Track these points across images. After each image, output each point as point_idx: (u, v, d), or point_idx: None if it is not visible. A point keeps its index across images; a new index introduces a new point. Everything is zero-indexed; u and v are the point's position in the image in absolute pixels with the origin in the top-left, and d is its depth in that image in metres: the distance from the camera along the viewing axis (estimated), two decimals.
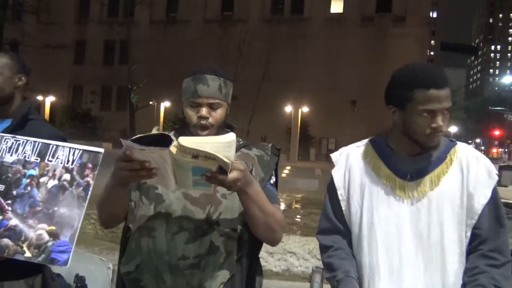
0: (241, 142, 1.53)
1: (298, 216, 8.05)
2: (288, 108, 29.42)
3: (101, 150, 1.52)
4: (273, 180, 1.54)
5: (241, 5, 36.90)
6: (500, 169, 22.64)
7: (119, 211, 1.45)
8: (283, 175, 16.13)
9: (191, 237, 1.38)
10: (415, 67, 1.45)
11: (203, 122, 1.44)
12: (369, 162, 1.53)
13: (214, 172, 1.16)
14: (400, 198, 1.45)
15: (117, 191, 1.34)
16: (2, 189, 1.46)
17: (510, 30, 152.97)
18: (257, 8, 36.45)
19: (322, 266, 1.63)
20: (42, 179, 1.47)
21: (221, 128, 1.49)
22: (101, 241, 4.42)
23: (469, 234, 1.43)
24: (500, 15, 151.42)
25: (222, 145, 1.13)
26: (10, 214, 1.43)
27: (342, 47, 33.18)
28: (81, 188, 1.45)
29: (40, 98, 30.76)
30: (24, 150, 1.50)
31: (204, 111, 1.44)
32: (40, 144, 1.51)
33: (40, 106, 30.69)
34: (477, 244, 1.42)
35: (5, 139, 1.53)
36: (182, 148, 1.11)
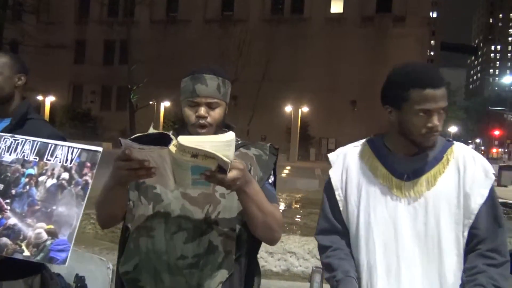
0: (239, 142, 1.53)
1: (298, 216, 8.06)
2: (288, 108, 29.42)
3: (100, 149, 1.52)
4: (271, 179, 1.54)
5: (241, 5, 36.90)
6: (500, 169, 22.63)
7: (117, 211, 1.45)
8: (283, 175, 16.14)
9: (189, 237, 1.38)
10: (411, 66, 1.45)
11: (201, 121, 1.44)
12: (366, 162, 1.53)
13: (214, 171, 1.16)
14: (397, 198, 1.45)
15: (116, 190, 1.34)
16: (1, 188, 1.46)
17: (510, 30, 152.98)
18: (257, 8, 36.45)
19: (321, 266, 1.63)
20: (41, 178, 1.47)
21: (220, 127, 1.49)
22: (101, 241, 4.41)
23: (466, 234, 1.43)
24: (500, 15, 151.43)
25: (221, 144, 1.13)
26: (8, 213, 1.43)
27: (342, 47, 33.17)
28: (79, 187, 1.45)
29: (40, 98, 30.76)
30: (23, 150, 1.51)
31: (202, 110, 1.44)
32: (39, 143, 1.52)
33: (40, 106, 30.69)
34: (475, 244, 1.42)
35: (4, 138, 1.54)
36: (181, 147, 1.11)
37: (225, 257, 1.39)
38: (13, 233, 1.41)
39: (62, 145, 1.51)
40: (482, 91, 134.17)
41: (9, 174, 1.48)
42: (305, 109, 29.69)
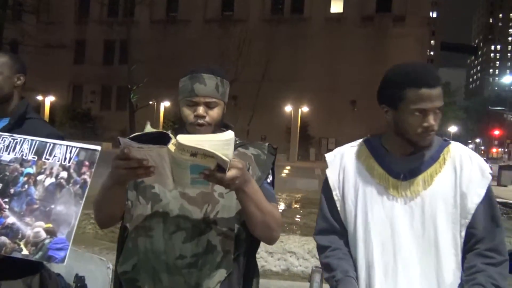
0: (237, 142, 1.53)
1: (297, 216, 8.05)
2: (288, 108, 29.42)
3: (98, 148, 1.52)
4: (270, 179, 1.54)
5: (241, 5, 36.90)
6: (500, 169, 22.63)
7: (116, 211, 1.44)
8: (283, 175, 16.13)
9: (188, 236, 1.37)
10: (407, 66, 1.45)
11: (200, 121, 1.44)
12: (363, 162, 1.54)
13: (213, 170, 1.16)
14: (393, 198, 1.46)
15: (115, 190, 1.33)
16: (0, 188, 1.47)
17: (510, 30, 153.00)
18: (257, 8, 36.45)
19: (321, 266, 1.63)
20: (39, 177, 1.47)
21: (218, 127, 1.49)
22: (101, 241, 4.42)
23: (463, 233, 1.43)
24: (500, 15, 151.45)
25: (220, 143, 1.13)
26: (7, 212, 1.43)
27: (342, 47, 33.18)
28: (78, 186, 1.46)
29: (40, 98, 30.77)
30: (21, 149, 1.51)
31: (201, 110, 1.44)
32: (37, 142, 1.52)
33: (40, 106, 30.69)
34: (473, 244, 1.42)
35: (3, 137, 1.54)
36: (180, 146, 1.11)
37: (224, 257, 1.39)
38: (11, 232, 1.41)
39: (60, 144, 1.51)
40: (482, 91, 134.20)
41: (7, 173, 1.48)
42: (305, 109, 29.69)
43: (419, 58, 31.71)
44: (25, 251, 1.40)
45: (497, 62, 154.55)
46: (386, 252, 1.43)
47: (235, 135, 1.22)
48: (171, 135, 1.16)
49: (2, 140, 1.53)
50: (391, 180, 1.47)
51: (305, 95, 29.94)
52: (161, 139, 1.15)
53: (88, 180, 1.47)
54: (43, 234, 1.41)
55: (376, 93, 1.50)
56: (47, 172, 1.48)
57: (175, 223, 1.39)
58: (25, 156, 1.50)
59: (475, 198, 1.42)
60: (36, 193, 1.46)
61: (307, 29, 34.64)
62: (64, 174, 1.47)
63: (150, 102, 31.09)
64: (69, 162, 1.48)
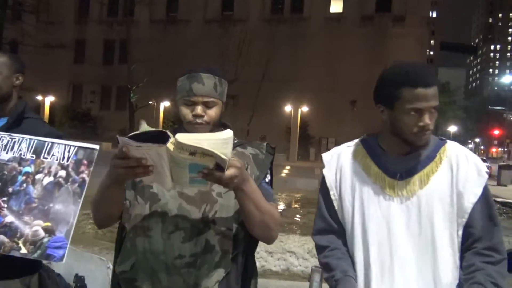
0: (236, 141, 1.52)
1: (297, 216, 8.06)
2: (288, 108, 29.41)
3: (96, 146, 1.53)
4: (268, 178, 1.54)
5: (241, 5, 36.89)
6: (500, 168, 22.64)
7: (114, 211, 1.44)
8: (283, 174, 16.14)
9: (187, 236, 1.37)
10: (403, 66, 1.45)
11: (198, 120, 1.43)
12: (359, 162, 1.54)
13: (211, 169, 1.15)
14: (389, 198, 1.46)
15: (113, 189, 1.33)
16: None
17: (509, 30, 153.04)
18: (257, 8, 36.45)
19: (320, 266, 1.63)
20: (38, 176, 1.48)
21: (216, 126, 1.48)
22: (100, 241, 4.41)
23: (460, 232, 1.43)
24: (500, 15, 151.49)
25: (219, 142, 1.13)
26: (5, 211, 1.44)
27: (342, 46, 33.17)
28: (76, 185, 1.46)
29: (39, 98, 30.76)
30: (19, 148, 1.52)
31: (199, 109, 1.43)
32: (35, 141, 1.53)
33: (39, 106, 30.68)
34: (471, 243, 1.43)
35: (1, 137, 1.54)
36: (179, 145, 1.11)
37: (222, 256, 1.39)
38: (10, 230, 1.42)
39: (59, 143, 1.52)
40: (481, 91, 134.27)
41: (5, 172, 1.48)
42: (304, 108, 29.68)
43: (419, 57, 31.72)
44: (23, 250, 1.40)
45: (497, 62, 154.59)
46: (383, 252, 1.43)
47: (235, 135, 1.21)
48: (169, 134, 1.16)
49: (0, 139, 1.54)
50: (388, 180, 1.47)
51: (305, 95, 29.93)
52: (160, 138, 1.15)
53: (87, 178, 1.48)
54: (42, 233, 1.41)
55: (372, 93, 1.51)
56: (46, 171, 1.48)
57: (173, 223, 1.38)
58: (24, 155, 1.50)
59: (471, 197, 1.42)
60: (35, 192, 1.46)
61: (307, 29, 34.64)
62: (62, 173, 1.47)
63: (150, 102, 31.08)
64: (67, 161, 1.49)
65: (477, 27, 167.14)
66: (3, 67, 1.81)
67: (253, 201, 1.32)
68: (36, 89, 27.58)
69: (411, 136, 1.42)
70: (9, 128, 1.70)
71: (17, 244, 1.40)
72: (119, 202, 1.42)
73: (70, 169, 1.48)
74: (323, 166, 1.62)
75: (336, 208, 1.55)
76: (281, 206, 9.13)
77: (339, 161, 1.57)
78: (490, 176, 24.75)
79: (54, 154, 1.50)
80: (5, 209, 1.44)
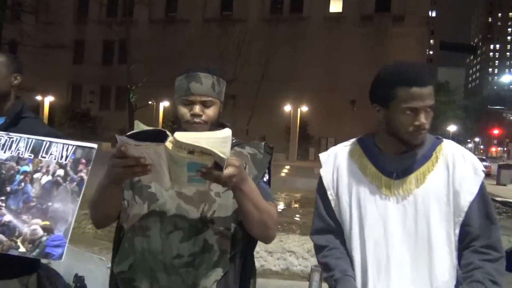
0: (234, 141, 1.52)
1: (297, 215, 8.05)
2: (287, 108, 29.42)
3: (95, 145, 1.53)
4: (266, 178, 1.54)
5: (240, 5, 36.89)
6: (499, 168, 22.65)
7: (112, 210, 1.43)
8: (282, 174, 16.13)
9: (185, 236, 1.37)
10: (398, 65, 1.45)
11: (196, 119, 1.43)
12: (356, 161, 1.54)
13: (210, 167, 1.15)
14: (386, 197, 1.46)
15: (111, 189, 1.32)
16: None
17: (509, 29, 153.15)
18: (256, 7, 36.45)
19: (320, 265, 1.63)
20: (36, 175, 1.48)
21: (214, 126, 1.48)
22: (100, 241, 4.41)
23: (457, 231, 1.43)
24: (499, 14, 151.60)
25: (218, 141, 1.12)
26: (3, 210, 1.44)
27: (341, 46, 33.17)
28: (75, 183, 1.46)
29: (39, 98, 30.75)
30: (17, 147, 1.52)
31: (197, 108, 1.43)
32: (33, 141, 1.53)
33: (39, 106, 30.67)
34: (469, 241, 1.43)
35: None
36: (178, 144, 1.10)
37: (221, 256, 1.39)
38: (8, 229, 1.42)
39: (57, 142, 1.52)
40: (481, 90, 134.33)
41: (3, 172, 1.49)
42: (304, 108, 29.69)
43: (419, 57, 31.74)
44: (22, 249, 1.40)
45: (496, 61, 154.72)
46: (379, 251, 1.44)
47: (234, 135, 1.21)
48: (168, 133, 1.16)
49: None
50: (384, 179, 1.47)
51: (305, 94, 29.94)
52: (158, 137, 1.14)
53: (85, 177, 1.48)
54: (40, 232, 1.41)
55: (368, 93, 1.51)
56: (44, 170, 1.48)
57: (172, 223, 1.38)
58: (21, 154, 1.51)
59: (468, 195, 1.42)
60: (33, 191, 1.46)
61: (306, 29, 34.64)
62: (60, 172, 1.48)
63: (150, 102, 31.07)
64: (65, 160, 1.49)
65: (476, 27, 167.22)
66: (1, 67, 1.82)
67: (252, 200, 1.31)
68: (36, 89, 27.57)
69: (407, 136, 1.42)
70: (7, 127, 1.70)
71: (16, 243, 1.40)
72: (117, 201, 1.41)
73: (68, 168, 1.48)
74: (320, 166, 1.62)
75: (334, 208, 1.55)
76: (281, 206, 9.13)
77: (336, 161, 1.58)
78: (490, 175, 24.66)
79: (52, 153, 1.50)
80: (3, 208, 1.44)
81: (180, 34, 35.91)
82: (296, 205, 9.92)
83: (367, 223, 1.46)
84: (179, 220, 1.38)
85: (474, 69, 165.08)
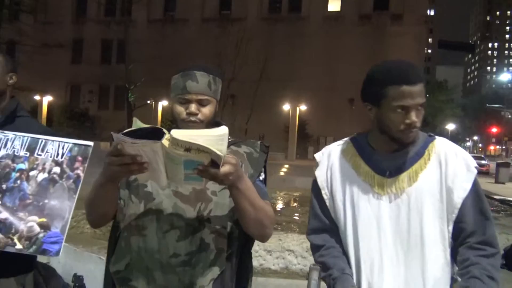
0: (230, 140, 1.50)
1: (296, 214, 8.05)
2: (286, 107, 29.43)
3: (91, 143, 1.53)
4: (262, 176, 1.54)
5: (238, 4, 36.89)
6: (497, 166, 22.69)
7: (109, 209, 1.42)
8: (281, 173, 16.13)
9: (182, 235, 1.37)
10: (388, 64, 1.46)
11: (192, 118, 1.42)
12: (349, 160, 1.54)
13: (206, 165, 1.15)
14: (379, 196, 1.47)
15: (108, 188, 1.32)
16: None
17: (507, 28, 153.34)
18: (255, 6, 36.45)
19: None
20: (32, 173, 1.48)
21: (210, 124, 1.46)
22: (99, 240, 4.40)
23: (451, 228, 1.43)
24: (497, 13, 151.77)
25: (214, 138, 1.12)
26: None
27: (340, 45, 33.20)
28: (71, 181, 1.47)
29: (37, 97, 30.71)
30: (13, 145, 1.52)
31: (193, 107, 1.42)
32: (29, 139, 1.53)
33: (37, 105, 30.63)
34: (464, 238, 1.43)
35: None
36: (174, 141, 1.10)
37: (217, 255, 1.39)
38: (4, 227, 1.42)
39: (53, 140, 1.52)
40: (479, 89, 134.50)
41: None
42: (303, 107, 29.70)
43: (417, 56, 31.78)
44: (18, 246, 1.40)
45: (495, 60, 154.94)
46: (373, 249, 1.44)
47: (232, 134, 1.21)
48: (164, 130, 1.15)
49: None
50: (377, 178, 1.48)
51: (303, 93, 29.96)
52: (155, 135, 1.14)
53: (82, 174, 1.48)
54: (37, 228, 1.41)
55: (360, 92, 1.51)
56: (40, 167, 1.48)
57: (168, 222, 1.38)
58: (17, 152, 1.51)
59: (461, 192, 1.42)
60: (29, 188, 1.46)
61: (305, 28, 34.66)
62: (57, 169, 1.48)
63: (148, 102, 31.06)
64: (61, 158, 1.49)
65: (475, 25, 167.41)
66: None
67: (248, 198, 1.31)
68: (34, 89, 27.54)
69: (398, 134, 1.42)
70: (2, 126, 1.70)
71: (12, 240, 1.41)
72: (113, 200, 1.41)
73: (64, 166, 1.48)
74: (316, 165, 1.63)
75: (329, 207, 1.56)
76: (280, 205, 9.14)
77: (330, 160, 1.58)
78: (488, 174, 24.66)
79: (48, 151, 1.50)
80: None
81: (179, 33, 35.89)
82: (295, 204, 9.92)
83: (361, 221, 1.47)
84: (175, 219, 1.38)
85: (472, 67, 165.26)
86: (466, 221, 1.42)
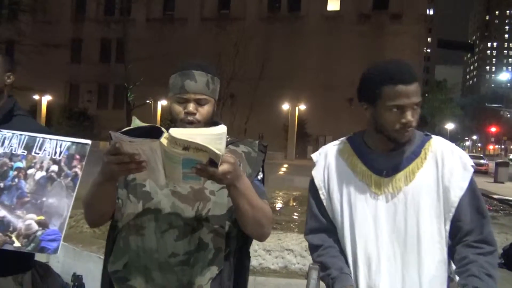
0: (228, 139, 1.51)
1: (295, 214, 8.05)
2: (285, 106, 29.43)
3: (88, 141, 1.53)
4: (260, 176, 1.54)
5: (237, 3, 36.88)
6: (497, 165, 22.70)
7: (107, 208, 1.42)
8: (281, 172, 16.14)
9: (180, 234, 1.37)
10: (383, 64, 1.46)
11: (190, 118, 1.42)
12: (346, 160, 1.55)
13: (205, 164, 1.14)
14: (375, 196, 1.47)
15: (106, 187, 1.31)
16: None
17: (506, 27, 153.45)
18: (254, 6, 36.44)
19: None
20: (30, 171, 1.48)
21: (208, 124, 1.45)
22: (98, 240, 4.40)
23: (448, 227, 1.44)
24: (497, 12, 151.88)
25: (213, 137, 1.11)
26: None
27: (339, 44, 33.21)
28: (69, 179, 1.47)
29: (36, 97, 30.67)
30: (10, 144, 1.52)
31: (191, 106, 1.42)
32: (26, 137, 1.53)
33: (36, 105, 30.60)
34: (461, 236, 1.43)
35: None
36: (173, 140, 1.09)
37: (215, 254, 1.39)
38: (2, 225, 1.42)
39: (50, 139, 1.52)
40: (478, 88, 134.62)
41: None
42: (302, 107, 29.70)
43: (416, 55, 31.80)
44: (17, 243, 1.40)
45: (494, 59, 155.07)
46: (370, 248, 1.45)
47: (231, 133, 1.21)
48: (163, 129, 1.15)
49: None
50: (374, 177, 1.48)
51: (303, 93, 29.96)
52: (153, 133, 1.14)
53: (79, 173, 1.48)
54: (35, 226, 1.41)
55: (356, 91, 1.52)
56: (38, 166, 1.49)
57: (167, 221, 1.37)
58: (15, 151, 1.51)
59: (457, 191, 1.43)
60: (27, 186, 1.46)
61: (304, 27, 34.66)
62: (54, 167, 1.48)
63: (147, 101, 31.02)
64: (59, 156, 1.49)
65: (474, 25, 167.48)
66: None
67: (246, 197, 1.31)
68: (33, 88, 27.53)
69: (394, 133, 1.43)
70: None
71: (10, 237, 1.41)
72: (112, 199, 1.40)
73: (62, 164, 1.48)
74: (313, 165, 1.63)
75: (326, 207, 1.56)
76: (279, 204, 9.14)
77: (327, 160, 1.59)
78: (487, 173, 24.68)
79: (45, 149, 1.51)
80: None
81: (178, 32, 35.87)
82: (294, 204, 9.92)
83: (358, 221, 1.47)
84: (174, 218, 1.38)
85: (471, 67, 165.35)
86: (463, 220, 1.43)
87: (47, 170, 1.48)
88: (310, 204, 1.61)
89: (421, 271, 1.41)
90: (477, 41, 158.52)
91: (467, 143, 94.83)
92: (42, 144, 1.52)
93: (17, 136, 1.53)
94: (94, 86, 38.80)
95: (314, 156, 1.64)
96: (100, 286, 1.49)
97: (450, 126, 62.10)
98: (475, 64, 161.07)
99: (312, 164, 1.63)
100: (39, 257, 1.89)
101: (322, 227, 1.57)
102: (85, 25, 39.05)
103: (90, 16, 38.88)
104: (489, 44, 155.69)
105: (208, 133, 1.12)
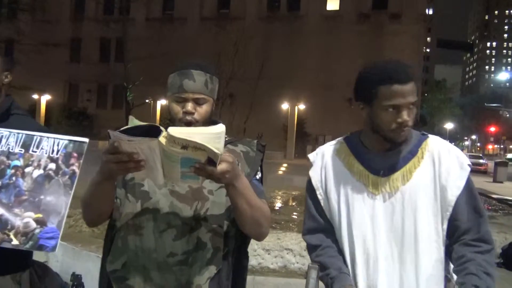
0: (226, 139, 1.50)
1: (294, 213, 8.05)
2: (285, 106, 29.44)
3: (86, 140, 1.53)
4: (258, 175, 1.54)
5: (237, 3, 36.86)
6: (496, 165, 22.73)
7: (105, 208, 1.42)
8: (280, 172, 16.16)
9: (179, 234, 1.37)
10: (380, 63, 1.47)
11: (188, 117, 1.42)
12: (343, 160, 1.55)
13: (203, 163, 1.14)
14: (373, 195, 1.47)
15: (104, 186, 1.31)
16: None
17: (505, 27, 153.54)
18: (253, 5, 36.43)
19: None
20: (27, 169, 1.48)
21: (207, 124, 1.45)
22: (98, 239, 4.40)
23: (445, 226, 1.44)
24: (496, 12, 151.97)
25: (211, 136, 1.11)
26: None
27: (339, 44, 33.21)
28: (67, 177, 1.47)
29: (35, 96, 30.66)
30: (7, 142, 1.52)
31: (189, 106, 1.42)
32: (23, 135, 1.53)
33: (35, 104, 30.59)
34: (459, 235, 1.44)
35: None
36: (171, 138, 1.09)
37: (214, 254, 1.39)
38: (0, 223, 1.42)
39: (48, 137, 1.52)
40: (478, 88, 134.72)
41: None
42: (301, 106, 29.71)
43: (415, 55, 31.81)
44: (15, 241, 1.40)
45: (493, 59, 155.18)
46: (368, 248, 1.45)
47: (231, 133, 1.21)
48: (162, 128, 1.15)
49: None
50: (371, 177, 1.49)
51: (302, 92, 29.97)
52: (152, 132, 1.13)
53: (77, 171, 1.48)
54: (33, 224, 1.41)
55: (353, 91, 1.52)
56: (35, 164, 1.49)
57: (165, 221, 1.38)
58: (12, 149, 1.51)
59: (454, 190, 1.43)
60: (25, 184, 1.46)
61: (304, 27, 34.66)
62: (52, 165, 1.48)
63: (147, 101, 31.01)
64: (57, 154, 1.49)
65: (473, 24, 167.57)
66: None
67: (245, 197, 1.31)
68: (32, 87, 27.51)
69: (390, 133, 1.43)
70: None
71: (8, 235, 1.41)
72: (110, 199, 1.40)
73: (60, 162, 1.48)
74: (310, 166, 1.63)
75: (323, 207, 1.56)
76: (278, 204, 9.14)
77: (324, 160, 1.59)
78: (486, 173, 24.73)
79: (43, 147, 1.51)
80: None
81: (177, 32, 35.84)
82: (294, 203, 9.92)
83: (355, 221, 1.48)
84: (172, 218, 1.38)
85: (471, 66, 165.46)
86: (461, 218, 1.43)
87: (44, 168, 1.48)
88: (307, 204, 1.61)
89: (418, 270, 1.42)
90: (477, 41, 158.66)
91: (466, 142, 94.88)
92: (39, 142, 1.52)
93: (14, 134, 1.53)
94: (94, 85, 38.76)
95: (311, 156, 1.64)
96: (98, 285, 1.49)
97: (449, 125, 62.15)
98: (475, 64, 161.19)
99: (309, 165, 1.63)
100: (38, 256, 1.89)
101: (320, 227, 1.57)
102: (84, 25, 39.01)
103: (90, 16, 38.84)
104: (488, 44, 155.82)
105: (207, 132, 1.12)
